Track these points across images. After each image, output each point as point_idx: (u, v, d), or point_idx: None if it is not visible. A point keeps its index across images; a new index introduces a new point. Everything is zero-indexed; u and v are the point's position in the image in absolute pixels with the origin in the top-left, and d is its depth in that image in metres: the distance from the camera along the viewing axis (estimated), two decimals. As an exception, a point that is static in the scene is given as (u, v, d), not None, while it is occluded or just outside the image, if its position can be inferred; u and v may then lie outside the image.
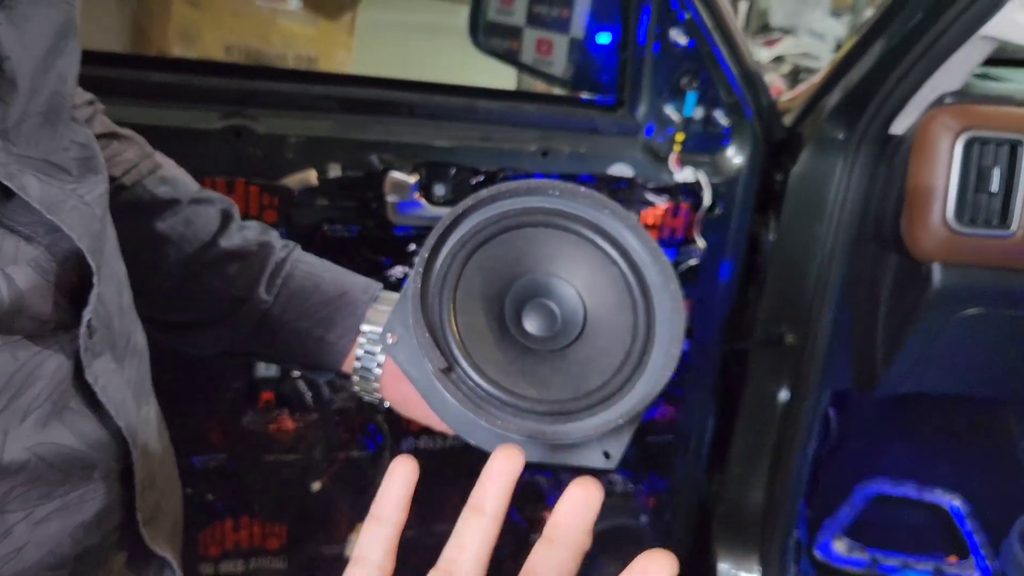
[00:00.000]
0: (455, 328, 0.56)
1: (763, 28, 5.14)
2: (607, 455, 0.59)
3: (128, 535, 0.56)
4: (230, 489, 1.31)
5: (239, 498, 1.31)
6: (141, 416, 0.58)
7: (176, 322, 0.77)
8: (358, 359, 0.72)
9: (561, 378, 0.58)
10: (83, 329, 0.50)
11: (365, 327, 0.73)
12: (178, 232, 0.74)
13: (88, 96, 0.76)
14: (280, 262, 0.76)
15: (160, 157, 0.78)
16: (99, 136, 0.73)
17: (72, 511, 0.50)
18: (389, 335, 0.59)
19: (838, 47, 4.19)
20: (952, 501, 1.79)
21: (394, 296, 0.75)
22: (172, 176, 0.77)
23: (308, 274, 0.77)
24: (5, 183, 0.44)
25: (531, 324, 0.59)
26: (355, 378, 0.73)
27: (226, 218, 0.77)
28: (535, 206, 0.60)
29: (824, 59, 4.39)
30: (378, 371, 0.72)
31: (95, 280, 0.50)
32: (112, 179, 0.72)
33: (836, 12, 5.26)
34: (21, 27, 0.46)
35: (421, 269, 0.57)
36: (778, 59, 4.91)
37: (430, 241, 0.57)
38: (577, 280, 0.60)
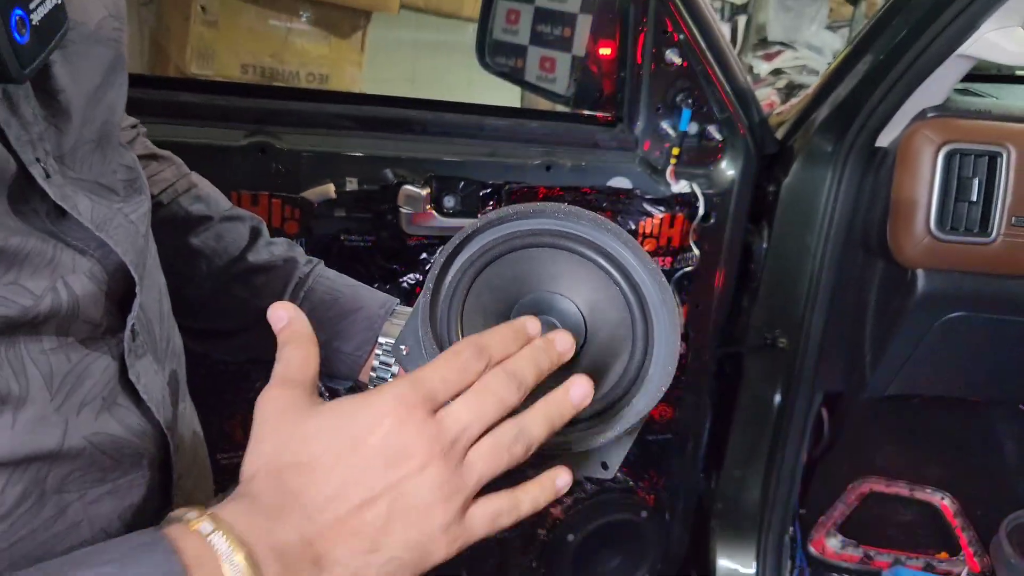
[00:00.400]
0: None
1: (762, 41, 5.18)
2: (605, 466, 0.60)
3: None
4: None
5: (207, 507, 1.35)
6: (179, 411, 0.63)
7: (207, 330, 0.83)
8: (373, 369, 0.76)
9: None
10: (127, 333, 0.54)
11: (381, 339, 0.77)
12: (209, 246, 0.80)
13: (132, 120, 0.82)
14: (303, 276, 0.81)
15: (195, 177, 0.85)
16: (140, 157, 0.78)
17: (122, 494, 0.54)
18: (402, 346, 0.60)
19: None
20: (942, 499, 1.82)
21: (409, 311, 0.79)
22: (206, 194, 0.83)
23: (329, 289, 0.81)
24: (60, 204, 0.49)
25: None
26: (370, 387, 0.75)
27: (255, 234, 0.83)
28: (541, 227, 0.61)
29: (822, 71, 4.43)
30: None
31: (138, 290, 0.54)
32: (151, 197, 0.79)
33: (833, 26, 5.29)
34: (75, 64, 0.51)
35: (431, 285, 0.59)
36: (776, 71, 4.97)
37: (440, 258, 0.59)
38: (579, 298, 0.61)
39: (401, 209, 1.27)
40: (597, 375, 0.58)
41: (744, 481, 1.71)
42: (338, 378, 0.81)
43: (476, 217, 1.29)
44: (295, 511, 0.45)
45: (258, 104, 1.24)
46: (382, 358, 0.75)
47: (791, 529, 1.76)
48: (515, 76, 1.65)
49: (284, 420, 0.48)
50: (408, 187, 1.26)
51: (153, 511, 0.58)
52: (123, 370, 0.55)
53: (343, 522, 0.46)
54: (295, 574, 0.44)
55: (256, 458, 0.48)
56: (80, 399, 0.50)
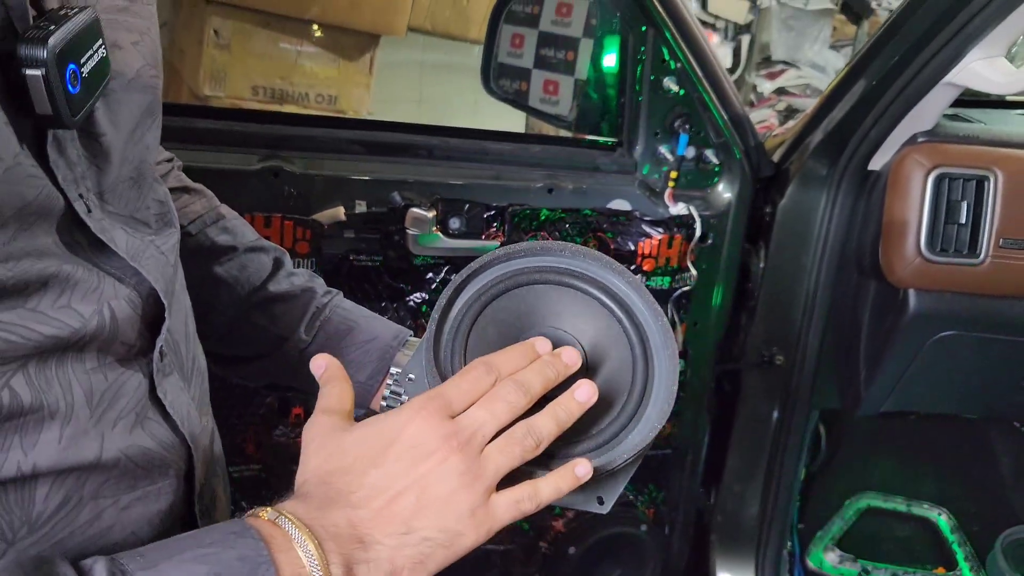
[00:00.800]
0: None
1: (765, 60, 5.21)
2: (601, 500, 0.61)
3: (188, 526, 0.64)
4: (263, 498, 1.37)
5: (272, 505, 1.39)
6: (202, 425, 0.66)
7: (228, 355, 0.86)
8: (384, 398, 0.77)
9: None
10: (156, 354, 0.58)
11: (394, 370, 0.80)
12: (232, 276, 0.84)
13: (167, 154, 0.86)
14: (321, 307, 0.85)
15: (224, 209, 0.88)
16: (173, 190, 0.83)
17: (151, 501, 0.57)
18: (410, 375, 0.63)
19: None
20: (939, 515, 1.84)
21: (417, 341, 0.83)
22: (233, 226, 0.87)
23: (344, 319, 0.84)
24: (100, 236, 0.53)
25: None
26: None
27: (277, 265, 0.87)
28: (546, 264, 0.63)
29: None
30: None
31: (167, 315, 0.58)
32: (180, 227, 0.81)
33: (836, 45, 5.32)
34: (115, 109, 0.56)
35: (436, 317, 0.61)
36: (780, 90, 5.00)
37: (447, 292, 0.62)
38: (582, 335, 0.63)
39: (408, 230, 1.30)
40: (597, 411, 0.60)
41: (743, 496, 1.72)
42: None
43: (480, 238, 1.36)
44: (341, 504, 0.53)
45: (271, 130, 1.28)
46: (392, 387, 0.77)
47: (789, 543, 1.78)
48: (519, 102, 1.68)
49: (327, 439, 0.57)
50: (415, 209, 1.29)
51: (178, 516, 0.62)
52: (152, 388, 0.59)
53: (380, 511, 0.53)
54: (347, 550, 0.52)
55: (306, 470, 0.56)
56: (115, 415, 0.55)
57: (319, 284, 0.88)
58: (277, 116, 1.39)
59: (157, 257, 0.60)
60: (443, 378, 0.59)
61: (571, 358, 0.60)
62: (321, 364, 0.64)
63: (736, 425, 1.69)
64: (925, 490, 1.86)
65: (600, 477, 0.59)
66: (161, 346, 0.59)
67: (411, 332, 0.84)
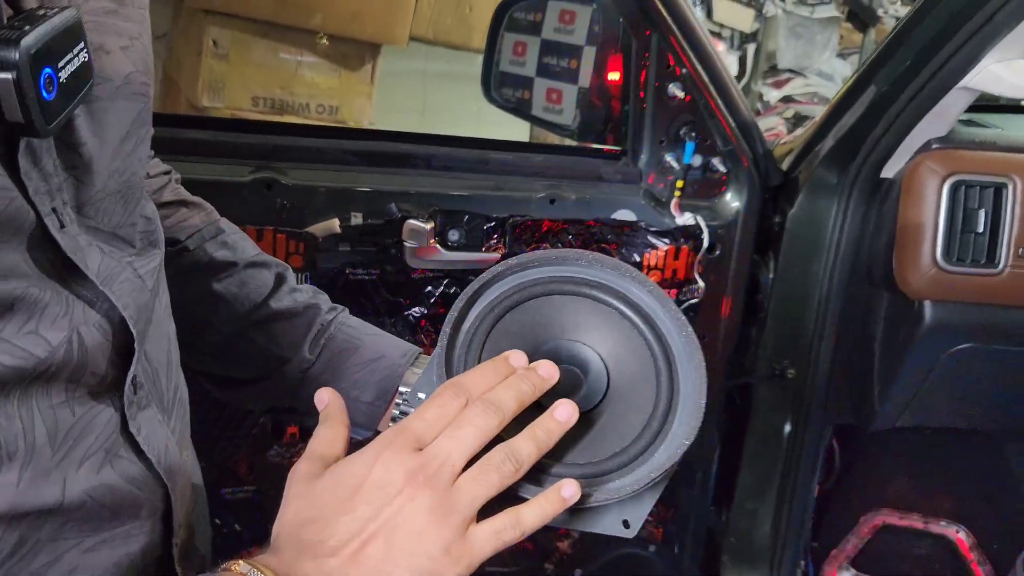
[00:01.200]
0: None
1: (771, 69, 5.20)
2: (626, 524, 0.58)
3: (164, 568, 0.61)
4: (257, 521, 1.36)
5: (266, 529, 1.35)
6: (181, 461, 0.63)
7: (227, 377, 0.83)
8: (393, 419, 0.75)
9: (581, 442, 0.58)
10: (127, 387, 0.55)
11: (402, 388, 0.77)
12: (232, 292, 0.80)
13: (164, 167, 0.83)
14: (325, 324, 0.81)
15: (224, 223, 0.85)
16: (169, 203, 0.80)
17: (119, 543, 0.55)
18: (420, 394, 0.61)
19: (846, 87, 4.23)
20: (957, 532, 1.78)
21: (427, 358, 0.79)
22: (233, 241, 0.83)
23: (349, 337, 0.81)
24: (70, 256, 0.49)
25: (556, 388, 0.59)
26: None
27: (279, 281, 0.83)
28: (562, 274, 0.61)
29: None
30: None
31: (137, 345, 0.55)
32: (177, 242, 0.79)
33: (843, 53, 5.31)
34: (99, 118, 0.52)
35: (448, 330, 0.59)
36: (786, 98, 4.98)
37: (459, 304, 0.59)
38: (602, 348, 0.61)
39: (405, 243, 1.27)
40: (618, 427, 0.58)
41: (756, 514, 1.69)
42: (357, 427, 0.79)
43: (480, 251, 1.32)
44: (313, 555, 0.52)
45: (264, 140, 1.25)
46: (402, 407, 0.74)
47: (803, 563, 1.74)
48: (520, 110, 1.66)
49: (302, 487, 0.55)
50: (412, 221, 1.26)
51: (153, 558, 0.59)
52: (124, 423, 0.55)
53: (351, 558, 0.52)
54: None
55: (282, 521, 0.55)
56: (82, 453, 0.51)
57: (323, 300, 0.84)
58: (269, 126, 1.36)
59: (132, 281, 0.56)
60: None
61: (547, 371, 0.58)
62: (323, 399, 0.62)
63: (747, 441, 1.65)
64: (943, 507, 1.80)
65: (625, 499, 0.57)
66: (134, 376, 0.56)
67: (421, 350, 0.81)
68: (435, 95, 3.55)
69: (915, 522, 1.80)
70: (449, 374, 0.58)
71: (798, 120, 4.17)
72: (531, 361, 0.60)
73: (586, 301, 0.61)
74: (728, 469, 1.69)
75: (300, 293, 0.83)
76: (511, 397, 0.56)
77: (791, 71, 5.27)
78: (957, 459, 1.80)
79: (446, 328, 0.59)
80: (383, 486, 0.53)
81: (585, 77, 1.57)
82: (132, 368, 0.55)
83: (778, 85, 5.17)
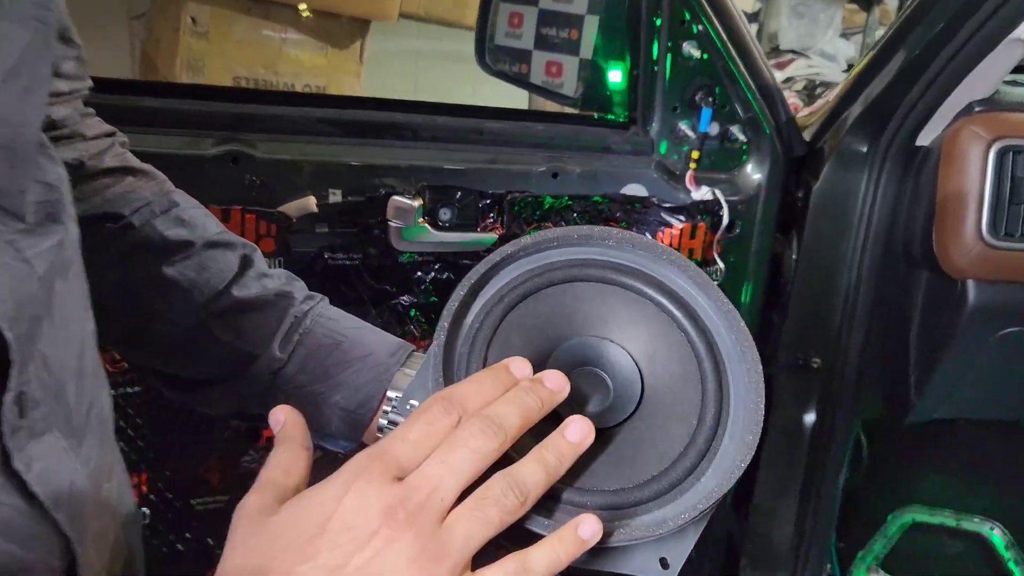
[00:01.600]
0: None
1: (773, 50, 5.09)
2: (664, 563, 0.49)
3: None
4: None
5: None
6: (98, 499, 0.50)
7: (184, 378, 0.71)
8: (380, 430, 0.65)
9: (610, 463, 0.50)
10: (6, 409, 0.42)
11: (391, 393, 0.66)
12: (188, 278, 0.68)
13: (108, 128, 0.71)
14: (300, 316, 0.69)
15: (179, 196, 0.73)
16: (112, 170, 0.69)
17: None
18: (412, 401, 0.52)
19: (849, 68, 4.14)
20: (992, 529, 1.71)
21: (422, 357, 0.69)
22: (189, 217, 0.71)
23: (329, 332, 0.70)
24: None
25: (576, 396, 0.51)
26: None
27: (245, 264, 0.71)
28: (587, 257, 0.54)
29: (835, 80, 4.34)
30: None
31: (15, 355, 0.41)
32: (120, 217, 0.67)
33: (847, 33, 5.22)
34: None
35: (446, 325, 0.50)
36: (788, 80, 4.87)
37: (459, 292, 0.51)
38: (634, 346, 0.53)
39: (390, 223, 1.15)
40: (656, 445, 0.50)
41: (777, 515, 1.61)
42: (339, 439, 0.70)
43: (474, 231, 1.20)
44: None
45: (229, 108, 1.13)
46: (391, 416, 0.65)
47: (828, 566, 1.67)
48: (518, 78, 1.55)
49: (252, 525, 0.44)
50: (398, 198, 1.15)
51: None
52: (6, 456, 0.42)
53: None
54: None
55: (224, 567, 0.44)
56: None
57: (298, 288, 0.72)
58: (236, 93, 1.24)
59: (12, 266, 0.43)
60: None
61: (557, 383, 0.48)
62: (280, 418, 0.52)
63: (768, 437, 1.56)
64: (976, 502, 1.73)
65: (664, 535, 0.47)
66: (19, 395, 0.42)
67: (413, 347, 0.70)
68: (427, 74, 3.46)
69: (947, 519, 1.73)
70: (448, 379, 0.50)
71: (811, 91, 4.04)
72: (547, 363, 0.51)
73: (615, 290, 0.53)
74: (747, 468, 1.58)
75: (270, 279, 0.71)
76: (514, 413, 0.45)
77: (793, 52, 5.19)
78: (992, 451, 1.72)
79: (443, 322, 0.50)
80: (354, 526, 0.42)
81: (587, 48, 1.48)
82: (11, 384, 0.41)
83: (780, 66, 5.07)
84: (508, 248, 0.53)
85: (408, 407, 0.52)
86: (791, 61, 5.02)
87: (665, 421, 0.51)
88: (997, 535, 1.70)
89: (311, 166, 1.13)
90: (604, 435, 0.50)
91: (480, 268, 0.52)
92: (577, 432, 0.46)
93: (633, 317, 0.53)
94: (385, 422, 0.65)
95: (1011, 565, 1.70)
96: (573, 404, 0.51)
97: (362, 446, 0.69)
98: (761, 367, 0.51)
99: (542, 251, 0.53)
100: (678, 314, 0.52)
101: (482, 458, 0.44)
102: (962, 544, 1.73)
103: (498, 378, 0.47)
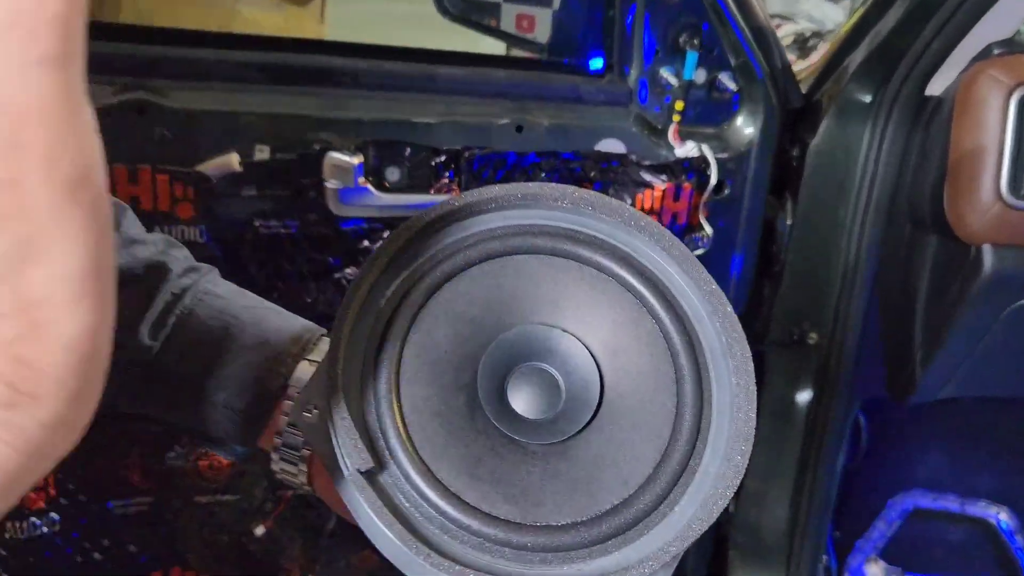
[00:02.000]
0: (396, 405, 0.41)
1: (761, 13, 5.01)
2: None
3: None
4: (156, 538, 1.14)
5: (168, 548, 1.14)
6: None
7: None
8: (278, 434, 0.55)
9: (559, 490, 0.42)
10: None
11: (295, 390, 0.56)
12: None
13: None
14: (178, 294, 0.58)
15: None
16: None
17: None
18: (310, 407, 0.44)
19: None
20: (999, 514, 1.67)
21: None
22: None
23: (216, 313, 0.59)
24: None
25: (518, 402, 0.43)
26: (274, 457, 0.56)
27: None
28: (534, 223, 0.45)
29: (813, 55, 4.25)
30: (307, 451, 0.54)
31: None
32: None
33: (834, -2, 5.17)
34: None
35: (346, 315, 0.42)
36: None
37: (367, 269, 0.43)
38: (593, 337, 0.45)
39: (326, 184, 1.03)
40: (618, 465, 0.42)
41: (768, 503, 1.57)
42: (228, 442, 0.60)
43: (427, 192, 1.09)
44: None
45: (134, 50, 1.00)
46: (286, 431, 0.55)
47: (825, 557, 1.63)
48: (483, 25, 1.44)
49: None
50: (335, 155, 1.02)
51: None
52: None
53: None
54: None
55: None
56: None
57: (178, 258, 0.60)
58: (141, 32, 1.11)
59: None
60: (361, 423, 0.40)
61: None
62: None
63: (758, 418, 1.47)
64: (981, 485, 1.69)
65: None
66: None
67: (323, 330, 0.59)
68: (399, 40, 3.34)
69: (950, 504, 1.68)
70: (348, 386, 0.41)
71: (803, 44, 3.91)
72: (482, 360, 0.43)
73: (569, 264, 0.45)
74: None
75: (142, 246, 0.59)
76: None
77: (780, 16, 5.12)
78: (998, 430, 1.69)
79: (342, 311, 0.42)
80: None
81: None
82: None
83: (767, 30, 5.00)
84: (433, 211, 0.44)
85: (306, 415, 0.43)
86: (778, 26, 4.96)
87: (630, 434, 0.42)
88: (1004, 520, 1.68)
89: (232, 117, 1.01)
90: (552, 451, 0.41)
91: (394, 238, 0.43)
92: None
93: (592, 300, 0.44)
94: (283, 429, 0.54)
95: (1018, 552, 1.67)
96: (513, 413, 0.42)
97: (260, 452, 0.59)
98: (752, 365, 0.42)
99: (476, 215, 0.45)
100: (649, 296, 0.44)
101: None
102: (967, 530, 1.70)
103: None
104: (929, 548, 1.71)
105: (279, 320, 0.59)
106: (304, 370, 0.57)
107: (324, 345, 0.58)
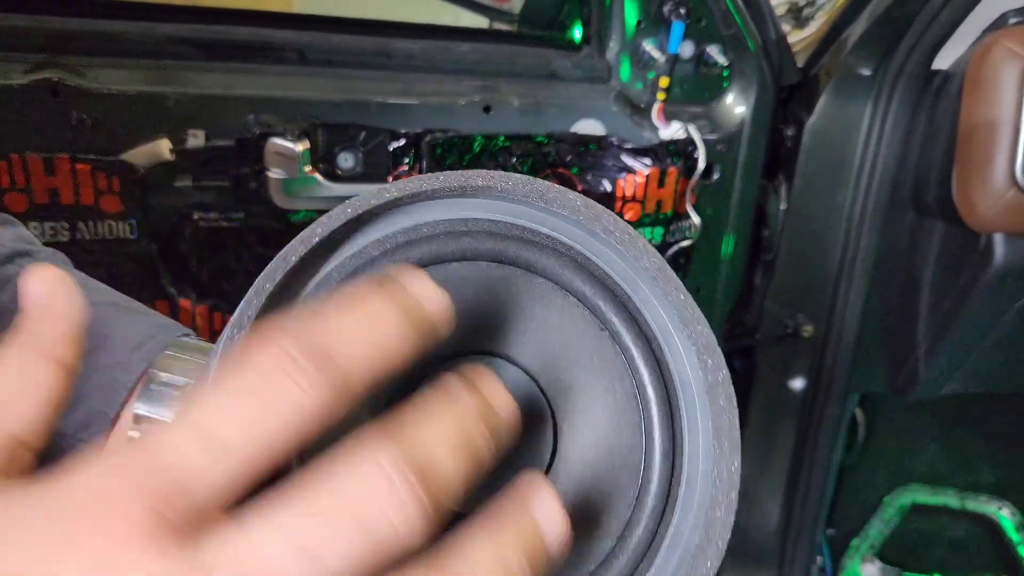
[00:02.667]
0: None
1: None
2: None
3: None
4: None
5: None
6: None
7: None
8: None
9: None
10: None
11: (140, 408, 0.47)
12: None
13: None
14: None
15: None
16: None
17: None
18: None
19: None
20: (1000, 509, 1.67)
21: (200, 346, 0.49)
22: None
23: None
24: None
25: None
26: None
27: None
28: (469, 216, 0.38)
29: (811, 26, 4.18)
30: None
31: None
32: None
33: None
34: None
35: (234, 334, 0.35)
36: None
37: (263, 284, 0.35)
38: (541, 368, 0.38)
39: (269, 173, 0.94)
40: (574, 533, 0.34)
41: (760, 502, 1.56)
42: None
43: (385, 180, 0.99)
44: None
45: (46, 23, 0.91)
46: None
47: (819, 558, 1.63)
48: None
49: None
50: (277, 140, 0.94)
51: None
52: None
53: None
54: None
55: None
56: None
57: (7, 238, 0.51)
58: (54, 0, 1.01)
59: None
60: None
61: (506, 405, 0.28)
62: (34, 287, 0.32)
63: (750, 415, 1.55)
64: (982, 480, 1.69)
65: None
66: None
67: (187, 330, 0.49)
68: (373, 15, 3.26)
69: (950, 499, 1.68)
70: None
71: (797, 14, 3.81)
72: (396, 397, 0.35)
73: (515, 274, 0.38)
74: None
75: None
76: (458, 458, 0.26)
77: None
78: (999, 424, 1.70)
79: (232, 330, 0.35)
80: None
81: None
82: None
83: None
84: (352, 205, 0.36)
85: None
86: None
87: (587, 488, 0.36)
88: (1005, 516, 1.68)
89: (162, 100, 0.92)
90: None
91: (305, 239, 0.35)
92: (553, 522, 0.27)
93: (542, 321, 0.38)
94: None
95: (1021, 549, 1.67)
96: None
97: None
98: (735, 398, 0.34)
99: (406, 207, 0.37)
100: (611, 316, 0.37)
101: (392, 541, 0.23)
102: (967, 526, 1.69)
103: (386, 339, 0.26)
104: (928, 546, 1.70)
105: (127, 319, 0.50)
106: (157, 372, 0.47)
107: (184, 345, 0.49)
